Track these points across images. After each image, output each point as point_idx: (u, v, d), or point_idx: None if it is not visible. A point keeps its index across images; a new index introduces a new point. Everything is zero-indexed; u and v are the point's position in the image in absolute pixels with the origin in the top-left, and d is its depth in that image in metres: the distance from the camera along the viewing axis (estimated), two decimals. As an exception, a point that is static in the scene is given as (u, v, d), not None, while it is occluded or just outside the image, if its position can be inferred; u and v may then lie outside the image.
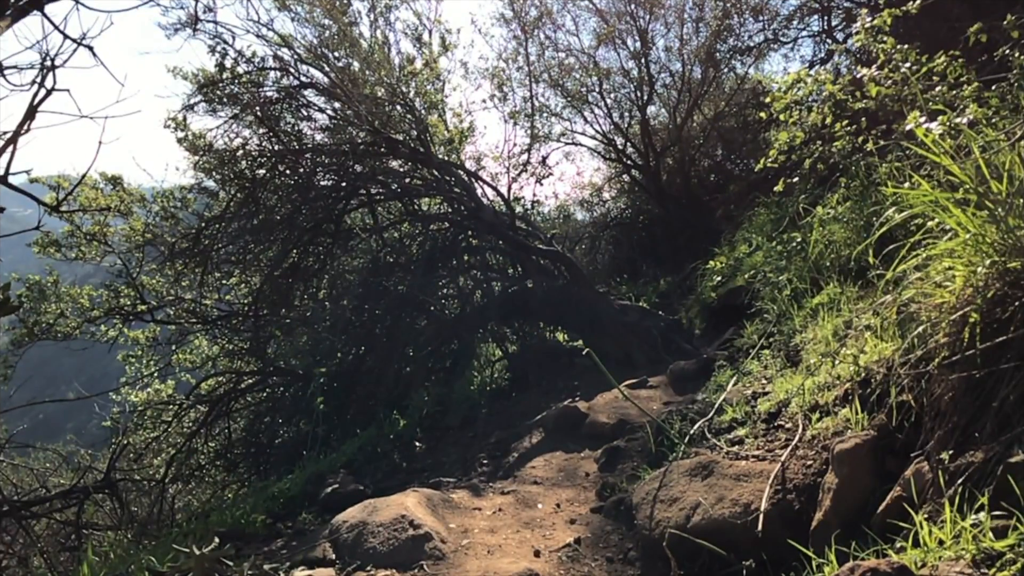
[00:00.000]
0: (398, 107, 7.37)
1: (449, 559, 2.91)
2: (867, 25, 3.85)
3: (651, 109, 11.21)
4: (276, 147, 7.08)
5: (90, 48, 2.74)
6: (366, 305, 7.41)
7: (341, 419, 6.68)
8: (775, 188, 4.86)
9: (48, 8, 2.66)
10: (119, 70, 2.83)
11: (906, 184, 3.11)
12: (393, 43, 7.84)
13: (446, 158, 8.06)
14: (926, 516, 1.81)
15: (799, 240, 4.83)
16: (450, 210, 7.84)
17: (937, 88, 3.41)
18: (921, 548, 1.73)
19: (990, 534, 1.59)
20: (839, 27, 8.85)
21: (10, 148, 2.59)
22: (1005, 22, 3.25)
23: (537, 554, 2.93)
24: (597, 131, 11.52)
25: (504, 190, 8.68)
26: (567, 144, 11.78)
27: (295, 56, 7.11)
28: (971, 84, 3.23)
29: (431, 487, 3.85)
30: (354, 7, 7.50)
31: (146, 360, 8.21)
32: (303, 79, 7.17)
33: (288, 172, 7.21)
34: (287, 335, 7.84)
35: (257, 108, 6.94)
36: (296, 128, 7.44)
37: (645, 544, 2.83)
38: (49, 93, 2.68)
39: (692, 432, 3.48)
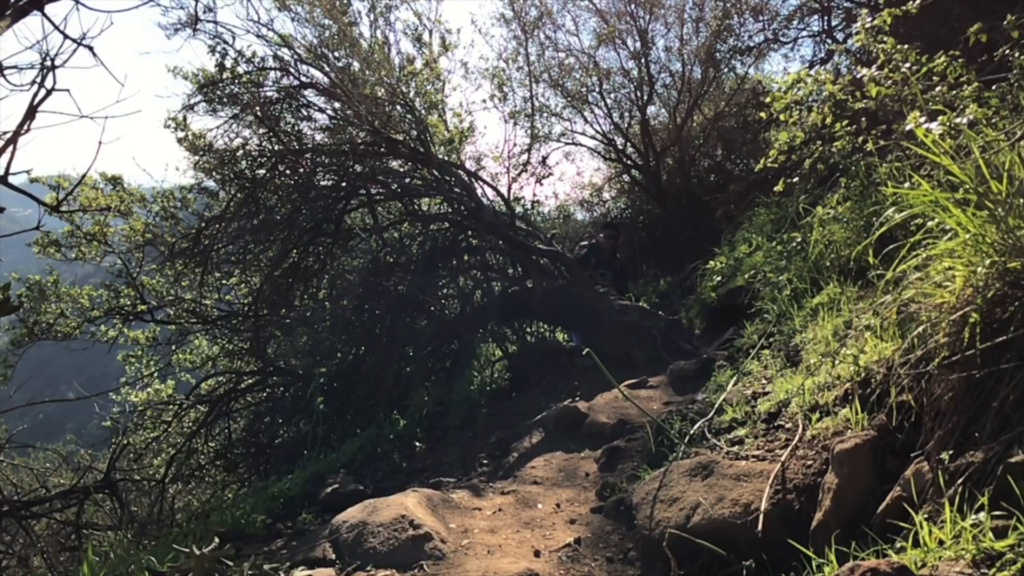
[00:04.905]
0: (398, 107, 7.36)
1: (449, 559, 2.91)
2: (867, 25, 3.85)
3: (651, 109, 11.21)
4: (276, 147, 7.07)
5: (90, 48, 2.74)
6: (366, 305, 7.41)
7: (341, 419, 6.68)
8: (775, 188, 4.86)
9: (48, 8, 2.67)
10: (119, 70, 2.83)
11: (906, 184, 3.11)
12: (393, 43, 7.84)
13: (446, 158, 8.06)
14: (926, 516, 1.81)
15: (799, 240, 4.82)
16: (450, 210, 7.83)
17: (937, 88, 3.41)
18: (921, 548, 1.73)
19: (990, 534, 1.59)
20: (839, 27, 8.85)
21: (10, 148, 2.59)
22: (1005, 22, 3.25)
23: (537, 554, 2.93)
24: (597, 131, 11.53)
25: (504, 190, 8.68)
26: (567, 144, 11.79)
27: (295, 56, 7.10)
28: (971, 84, 3.23)
29: (431, 487, 3.85)
30: (354, 7, 7.49)
31: (146, 360, 8.21)
32: (303, 79, 7.17)
33: (288, 172, 7.21)
34: (287, 335, 7.84)
35: (257, 108, 6.93)
36: (296, 128, 7.43)
37: (645, 544, 2.83)
38: (49, 93, 2.68)
39: (692, 432, 3.48)
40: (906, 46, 3.66)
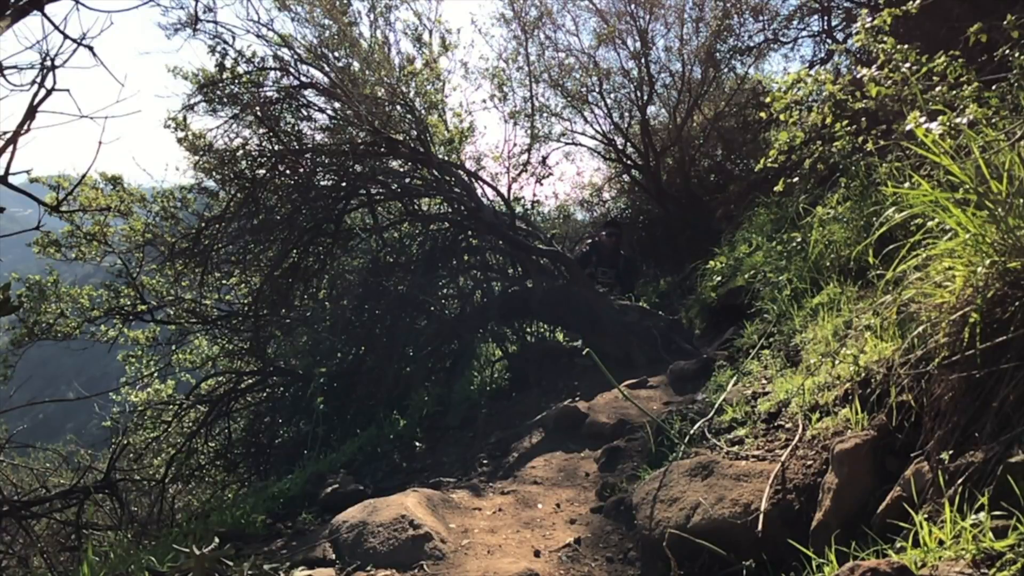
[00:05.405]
0: (398, 107, 7.36)
1: (449, 559, 2.91)
2: (867, 25, 3.85)
3: (651, 109, 11.19)
4: (276, 147, 7.07)
5: (90, 48, 2.74)
6: (366, 305, 7.41)
7: (341, 419, 6.68)
8: (775, 188, 4.86)
9: (48, 8, 2.67)
10: (119, 70, 2.83)
11: (906, 184, 3.11)
12: (393, 43, 7.83)
13: (446, 158, 8.05)
14: (926, 516, 1.81)
15: (799, 240, 4.82)
16: (450, 210, 7.83)
17: (937, 88, 3.41)
18: (921, 548, 1.73)
19: (990, 534, 1.59)
20: (839, 27, 8.84)
21: (10, 148, 2.59)
22: (1005, 22, 3.25)
23: (537, 554, 2.93)
24: (597, 131, 11.51)
25: (504, 190, 8.67)
26: (567, 144, 11.76)
27: (295, 56, 7.10)
28: (971, 84, 3.23)
29: (431, 487, 3.85)
30: (354, 7, 7.49)
31: (146, 360, 8.21)
32: (303, 79, 7.17)
33: (288, 172, 7.21)
34: (287, 335, 7.84)
35: (257, 108, 6.93)
36: (296, 128, 7.43)
37: (645, 544, 2.83)
38: (49, 93, 2.68)
39: (692, 432, 3.48)
40: (906, 46, 3.66)
